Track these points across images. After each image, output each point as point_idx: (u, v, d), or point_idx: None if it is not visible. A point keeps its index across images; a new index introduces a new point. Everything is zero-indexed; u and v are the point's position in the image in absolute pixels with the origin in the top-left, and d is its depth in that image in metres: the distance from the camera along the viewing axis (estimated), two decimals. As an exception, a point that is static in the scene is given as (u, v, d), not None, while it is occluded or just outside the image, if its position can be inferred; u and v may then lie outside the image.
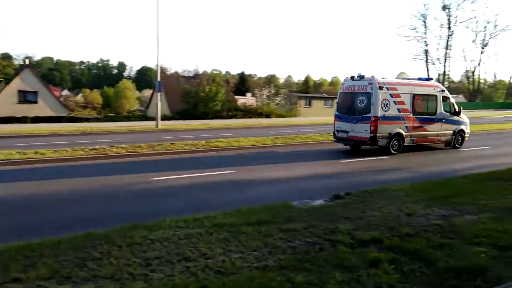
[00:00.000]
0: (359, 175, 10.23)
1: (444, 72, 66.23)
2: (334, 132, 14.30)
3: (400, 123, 13.36)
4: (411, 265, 4.14)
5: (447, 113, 14.61)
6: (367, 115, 12.91)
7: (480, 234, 5.01)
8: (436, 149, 15.06)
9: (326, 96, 55.41)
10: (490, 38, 67.35)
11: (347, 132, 13.59)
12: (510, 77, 76.53)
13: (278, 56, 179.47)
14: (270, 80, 68.16)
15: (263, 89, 42.46)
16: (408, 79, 17.48)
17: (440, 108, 14.40)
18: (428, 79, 15.59)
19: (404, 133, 13.43)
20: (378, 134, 12.84)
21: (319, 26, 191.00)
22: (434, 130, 14.33)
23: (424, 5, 73.33)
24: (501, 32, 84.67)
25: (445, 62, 65.42)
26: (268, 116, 37.46)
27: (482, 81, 73.18)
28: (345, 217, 5.92)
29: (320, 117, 39.03)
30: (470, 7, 75.95)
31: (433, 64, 67.52)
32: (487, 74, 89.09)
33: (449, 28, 64.22)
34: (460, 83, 77.49)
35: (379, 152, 13.33)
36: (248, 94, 58.73)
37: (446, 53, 65.17)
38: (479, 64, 68.89)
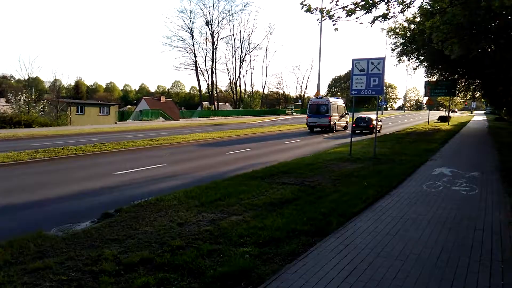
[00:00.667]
0: (133, 187, 9.61)
1: (213, 82, 73.23)
2: (307, 123, 29.48)
3: (336, 118, 29.22)
4: (180, 282, 3.89)
5: (345, 114, 31.78)
6: (326, 114, 28.24)
7: (244, 233, 5.31)
8: (210, 155, 16.03)
9: (102, 102, 51.74)
10: (246, 54, 79.05)
11: (315, 122, 28.70)
12: (263, 88, 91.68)
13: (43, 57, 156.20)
14: (32, 83, 58.09)
15: (20, 93, 35.62)
16: (332, 98, 32.36)
17: (344, 111, 31.42)
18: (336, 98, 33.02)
19: (337, 123, 29.31)
20: (331, 123, 28.37)
21: (93, 27, 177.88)
22: (342, 122, 30.86)
23: (190, 19, 79.05)
24: (254, 49, 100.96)
25: (212, 73, 72.39)
26: (28, 125, 31.72)
27: (243, 91, 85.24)
28: (113, 239, 5.23)
29: (96, 125, 35.95)
30: (228, 25, 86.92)
31: (203, 74, 73.63)
32: (246, 85, 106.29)
33: (213, 43, 71.47)
34: (227, 92, 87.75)
35: (328, 131, 26.90)
36: (2, 100, 48.39)
37: (212, 65, 72.22)
38: (239, 76, 79.65)
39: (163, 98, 68.94)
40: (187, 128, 33.06)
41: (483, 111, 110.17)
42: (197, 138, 22.05)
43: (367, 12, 8.54)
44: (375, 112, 15.40)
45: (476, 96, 41.33)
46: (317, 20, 8.59)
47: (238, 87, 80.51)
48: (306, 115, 30.17)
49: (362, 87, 13.60)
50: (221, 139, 22.49)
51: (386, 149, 16.33)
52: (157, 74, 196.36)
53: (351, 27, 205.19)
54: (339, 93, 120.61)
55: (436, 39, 13.32)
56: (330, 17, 8.19)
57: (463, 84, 36.53)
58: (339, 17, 8.53)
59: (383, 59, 13.31)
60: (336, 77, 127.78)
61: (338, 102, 30.72)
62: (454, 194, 8.03)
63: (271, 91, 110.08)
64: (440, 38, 13.18)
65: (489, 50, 17.42)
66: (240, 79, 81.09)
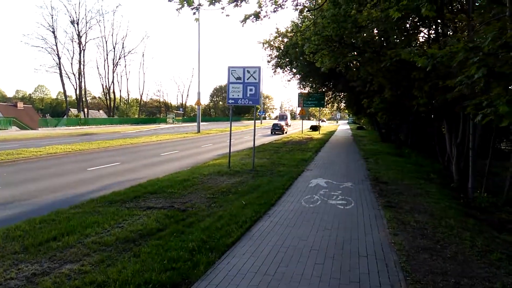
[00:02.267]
0: None
1: (81, 87, 66.04)
2: (272, 128, 42.22)
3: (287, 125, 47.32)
4: None
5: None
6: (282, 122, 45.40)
7: (73, 297, 3.72)
8: (65, 173, 13.36)
9: None
10: (120, 58, 73.79)
11: (278, 128, 42.23)
12: (141, 95, 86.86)
13: None
14: None
15: None
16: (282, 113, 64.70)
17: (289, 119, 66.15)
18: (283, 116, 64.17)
19: (285, 127, 43.91)
20: (283, 127, 42.64)
21: None
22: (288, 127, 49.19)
23: (52, 16, 70.27)
24: (129, 54, 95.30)
25: (80, 77, 65.32)
26: None
27: (118, 98, 79.23)
28: None
29: None
30: (98, 26, 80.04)
31: (69, 78, 65.97)
32: (122, 91, 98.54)
33: (80, 44, 64.69)
34: (100, 99, 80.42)
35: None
36: None
37: (80, 68, 65.23)
38: (113, 81, 73.80)
39: (20, 104, 59.08)
40: (46, 139, 28.33)
41: (346, 121, 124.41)
42: (54, 151, 18.64)
43: (235, 2, 7.69)
44: (254, 121, 14.93)
45: (341, 107, 45.55)
46: (176, 10, 7.33)
47: (112, 94, 74.43)
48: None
49: (239, 96, 12.94)
50: (86, 152, 19.49)
51: (265, 160, 16.07)
52: (16, 78, 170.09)
53: (230, 35, 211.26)
54: (220, 102, 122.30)
55: (308, 50, 13.51)
56: (189, 3, 7.07)
57: (330, 96, 39.85)
58: (200, 5, 7.46)
59: (259, 68, 12.87)
60: (218, 87, 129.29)
61: (288, 116, 61.01)
62: (332, 209, 7.67)
63: (151, 99, 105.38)
64: (312, 50, 13.38)
65: (355, 63, 18.77)
66: (114, 84, 75.27)
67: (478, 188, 11.24)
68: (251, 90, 12.86)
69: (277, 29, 30.67)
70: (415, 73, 10.16)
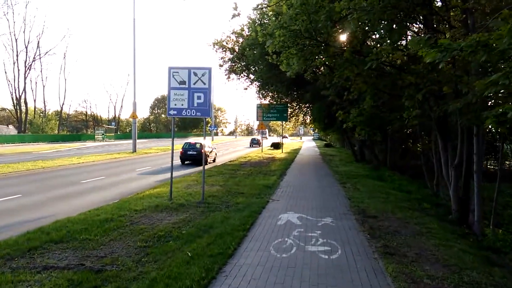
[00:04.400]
0: None
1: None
2: (250, 142, 60.45)
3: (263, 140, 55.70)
4: None
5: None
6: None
7: None
8: None
9: None
10: (34, 61, 69.80)
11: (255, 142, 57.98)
12: (62, 106, 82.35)
13: None
14: None
15: None
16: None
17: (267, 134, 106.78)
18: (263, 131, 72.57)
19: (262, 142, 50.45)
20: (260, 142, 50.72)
21: None
22: (265, 141, 65.80)
23: None
24: (46, 55, 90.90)
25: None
26: None
27: (32, 109, 74.54)
28: None
29: None
30: (6, 20, 75.50)
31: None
32: (37, 101, 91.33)
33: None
34: (8, 111, 75.38)
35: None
36: None
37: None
38: (25, 89, 69.46)
39: None
40: None
41: (311, 137, 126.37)
42: None
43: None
44: (204, 138, 13.67)
45: (307, 121, 45.48)
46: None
47: (24, 104, 69.85)
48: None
49: (184, 105, 11.68)
50: (-23, 181, 17.09)
51: (218, 187, 14.80)
52: None
53: (176, 37, 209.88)
54: (163, 115, 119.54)
55: (271, 47, 12.59)
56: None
57: (294, 108, 39.56)
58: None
59: (209, 69, 11.72)
60: (160, 97, 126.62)
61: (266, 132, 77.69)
62: (313, 260, 6.49)
63: (76, 111, 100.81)
64: (276, 47, 12.47)
65: (327, 67, 18.18)
66: (26, 93, 70.76)
67: (482, 219, 10.72)
68: (199, 98, 11.66)
69: (233, 30, 29.92)
70: (409, 78, 9.46)
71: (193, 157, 25.91)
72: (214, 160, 28.49)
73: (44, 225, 8.75)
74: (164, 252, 6.90)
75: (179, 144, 54.99)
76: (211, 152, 27.99)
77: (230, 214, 10.04)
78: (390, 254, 6.86)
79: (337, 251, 6.99)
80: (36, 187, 15.37)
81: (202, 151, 23.06)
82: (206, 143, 26.89)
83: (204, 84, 11.68)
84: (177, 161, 26.60)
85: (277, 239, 7.75)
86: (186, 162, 26.56)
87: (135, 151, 36.62)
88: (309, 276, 5.79)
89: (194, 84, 11.67)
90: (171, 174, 12.73)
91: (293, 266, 6.19)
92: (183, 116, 11.95)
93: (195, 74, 11.65)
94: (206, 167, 23.92)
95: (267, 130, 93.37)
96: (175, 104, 11.73)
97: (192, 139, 35.48)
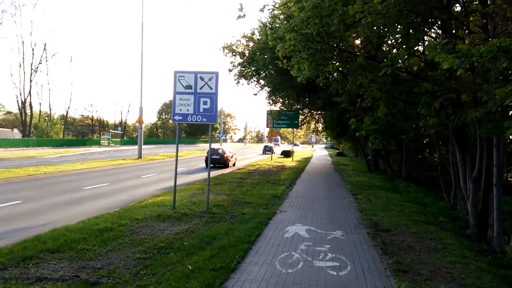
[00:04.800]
0: None
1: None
2: (263, 149, 62.34)
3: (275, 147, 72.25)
4: None
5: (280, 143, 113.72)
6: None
7: None
8: None
9: None
10: (40, 63, 70.65)
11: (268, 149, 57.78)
12: (67, 111, 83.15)
13: None
14: None
15: None
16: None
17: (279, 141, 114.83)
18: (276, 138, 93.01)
19: (274, 149, 57.76)
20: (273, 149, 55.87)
21: None
22: (276, 148, 75.92)
23: None
24: (52, 57, 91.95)
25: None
26: None
27: (37, 113, 75.35)
28: None
29: None
30: (14, 22, 76.62)
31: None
32: (42, 105, 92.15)
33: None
34: (14, 115, 76.28)
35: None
36: None
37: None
38: (30, 92, 70.22)
39: None
40: None
41: (323, 145, 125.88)
42: None
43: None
44: (210, 144, 13.60)
45: (319, 129, 45.30)
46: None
47: (29, 108, 70.69)
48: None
49: (189, 111, 11.63)
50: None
51: (224, 196, 14.69)
52: None
53: (185, 41, 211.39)
54: (170, 121, 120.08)
55: (282, 51, 12.51)
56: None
57: (306, 115, 39.41)
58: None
59: (216, 74, 11.66)
60: (168, 102, 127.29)
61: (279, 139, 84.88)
62: (321, 277, 6.32)
63: (82, 116, 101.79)
64: (287, 51, 12.38)
65: (340, 73, 18.07)
66: (31, 96, 71.67)
67: (502, 235, 10.43)
68: (205, 103, 11.60)
69: (244, 34, 29.99)
70: (425, 85, 9.28)
71: (216, 160, 29.86)
72: (234, 164, 32.75)
73: (41, 233, 8.69)
74: (163, 264, 6.79)
75: (185, 151, 54.98)
76: (231, 156, 32.37)
77: (235, 225, 9.92)
78: (403, 271, 6.67)
79: (346, 267, 6.81)
80: (37, 193, 15.40)
81: (225, 156, 30.01)
82: (227, 148, 33.66)
83: (211, 89, 11.62)
84: (202, 164, 32.52)
85: (283, 253, 7.60)
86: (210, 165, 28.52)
87: (141, 157, 36.70)
88: (315, 294, 5.62)
89: (200, 88, 11.62)
90: (175, 182, 12.65)
91: (299, 283, 6.03)
92: (189, 122, 11.90)
93: (202, 79, 11.60)
94: (221, 171, 25.91)
95: (279, 137, 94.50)
96: (181, 110, 11.68)
97: (214, 145, 38.48)
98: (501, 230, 10.15)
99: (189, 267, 6.55)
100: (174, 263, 6.89)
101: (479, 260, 8.06)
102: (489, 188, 11.26)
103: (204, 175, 23.47)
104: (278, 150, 63.72)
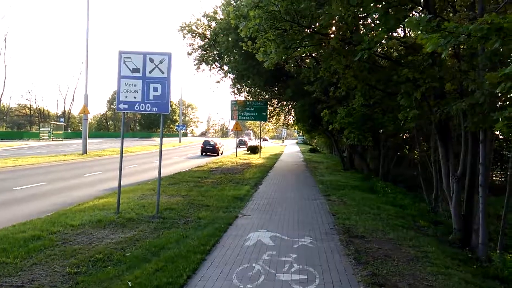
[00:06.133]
0: None
1: None
2: (238, 143, 54.37)
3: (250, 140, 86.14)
4: None
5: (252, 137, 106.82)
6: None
7: None
8: None
9: None
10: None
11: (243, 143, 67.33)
12: (0, 97, 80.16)
13: None
14: None
15: None
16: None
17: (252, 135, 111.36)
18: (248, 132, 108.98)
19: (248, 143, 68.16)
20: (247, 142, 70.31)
21: None
22: (251, 142, 73.08)
23: None
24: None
25: None
26: None
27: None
28: None
29: None
30: None
31: None
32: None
33: None
34: None
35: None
36: None
37: None
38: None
39: None
40: None
41: (295, 140, 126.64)
42: None
43: None
44: (161, 138, 13.15)
45: (290, 122, 45.30)
46: None
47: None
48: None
49: (137, 98, 11.16)
50: None
51: (179, 198, 14.29)
52: None
53: (139, 22, 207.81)
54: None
55: (245, 31, 12.18)
56: None
57: (276, 106, 39.28)
58: None
59: (169, 55, 11.22)
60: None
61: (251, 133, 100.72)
62: (284, 293, 6.04)
63: (19, 105, 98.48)
64: (251, 31, 12.05)
65: (314, 58, 17.88)
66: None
67: (488, 241, 10.49)
68: (155, 89, 11.17)
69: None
70: (405, 72, 9.14)
71: (209, 150, 45.39)
72: (222, 153, 47.05)
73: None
74: (98, 281, 6.34)
75: (139, 146, 53.96)
76: (221, 147, 48.31)
77: (188, 232, 9.55)
78: (379, 285, 6.48)
79: (314, 281, 6.56)
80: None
81: (216, 146, 45.69)
82: (217, 140, 51.18)
83: (163, 73, 11.17)
84: (197, 153, 46.54)
85: (243, 265, 7.28)
86: (203, 154, 44.79)
87: (86, 153, 35.66)
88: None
89: (150, 72, 11.16)
90: (119, 180, 12.13)
91: (258, 302, 5.72)
92: (136, 111, 11.47)
93: (152, 61, 11.13)
94: (211, 159, 26.47)
95: (251, 131, 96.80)
96: (126, 97, 11.17)
97: (208, 138, 61.88)
98: (487, 235, 10.17)
99: (129, 283, 6.15)
100: (111, 278, 6.47)
101: (463, 271, 8.01)
102: (473, 188, 11.32)
103: (162, 173, 22.89)
104: (250, 144, 63.60)
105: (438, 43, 5.02)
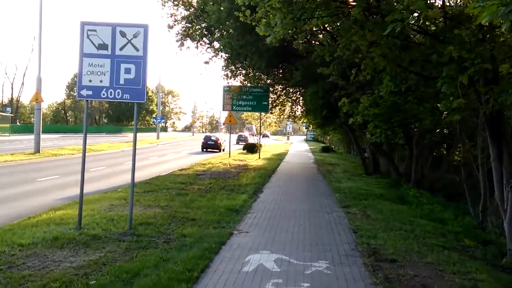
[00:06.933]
0: None
1: None
2: (237, 139, 78.58)
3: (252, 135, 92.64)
4: None
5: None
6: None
7: None
8: None
9: None
10: None
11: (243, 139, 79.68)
12: None
13: None
14: None
15: None
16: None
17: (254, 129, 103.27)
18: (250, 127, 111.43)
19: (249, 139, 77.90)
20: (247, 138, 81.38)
21: None
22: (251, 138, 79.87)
23: None
24: None
25: None
26: None
27: None
28: None
29: None
30: None
31: None
32: None
33: None
34: None
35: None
36: None
37: None
38: None
39: None
40: None
41: (303, 137, 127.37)
42: None
43: None
44: (134, 134, 13.16)
45: (297, 113, 45.44)
46: None
47: None
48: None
49: (104, 82, 11.22)
50: None
51: (158, 210, 14.38)
52: None
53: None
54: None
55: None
56: None
57: (279, 93, 39.35)
58: None
59: (145, 27, 11.29)
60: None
61: (253, 127, 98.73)
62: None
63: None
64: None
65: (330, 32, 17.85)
66: None
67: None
68: (128, 71, 11.22)
69: None
70: (449, 50, 9.08)
71: (211, 146, 53.57)
72: (223, 150, 53.18)
73: None
74: (54, 318, 6.27)
75: (107, 143, 54.31)
76: (223, 143, 55.90)
77: (170, 254, 9.58)
78: (416, 325, 6.43)
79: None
80: None
81: (218, 142, 55.37)
82: (220, 136, 62.21)
83: (137, 50, 11.21)
84: (198, 149, 54.35)
85: (240, 298, 7.26)
86: (204, 150, 52.90)
87: (39, 152, 35.88)
88: None
89: (121, 49, 11.19)
90: (81, 188, 12.14)
91: None
92: (103, 99, 11.48)
93: (123, 35, 11.12)
94: (199, 158, 26.27)
95: (253, 125, 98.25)
96: (90, 81, 11.17)
97: (210, 133, 76.01)
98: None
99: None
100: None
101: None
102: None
103: (137, 177, 22.93)
104: (250, 141, 63.98)
105: (497, 12, 4.95)
